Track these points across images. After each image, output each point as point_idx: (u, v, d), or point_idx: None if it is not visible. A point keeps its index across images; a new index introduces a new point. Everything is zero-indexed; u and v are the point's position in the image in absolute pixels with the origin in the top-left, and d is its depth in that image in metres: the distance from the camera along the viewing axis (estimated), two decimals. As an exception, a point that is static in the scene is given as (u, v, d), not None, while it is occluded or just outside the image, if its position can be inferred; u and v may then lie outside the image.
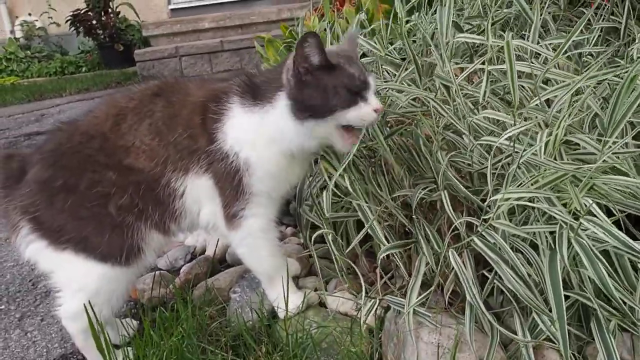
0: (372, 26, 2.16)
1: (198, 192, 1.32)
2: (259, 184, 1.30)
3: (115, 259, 1.28)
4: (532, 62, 1.44)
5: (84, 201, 1.26)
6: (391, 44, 1.90)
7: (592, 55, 1.58)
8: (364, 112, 1.23)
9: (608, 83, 1.33)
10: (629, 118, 1.16)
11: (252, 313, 1.44)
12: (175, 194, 1.31)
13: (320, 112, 1.22)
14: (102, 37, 7.62)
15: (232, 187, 1.30)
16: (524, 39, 1.54)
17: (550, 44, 1.50)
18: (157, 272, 1.74)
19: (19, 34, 8.41)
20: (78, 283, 1.29)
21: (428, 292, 1.28)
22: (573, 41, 1.39)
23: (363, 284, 1.38)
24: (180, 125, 1.29)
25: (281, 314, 1.41)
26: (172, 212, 1.33)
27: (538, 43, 1.48)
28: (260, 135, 1.28)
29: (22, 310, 1.78)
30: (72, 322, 1.32)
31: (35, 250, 1.28)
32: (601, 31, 1.65)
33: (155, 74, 6.44)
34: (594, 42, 1.55)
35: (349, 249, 1.43)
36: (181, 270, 1.80)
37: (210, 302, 1.55)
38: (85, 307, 1.22)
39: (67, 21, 7.52)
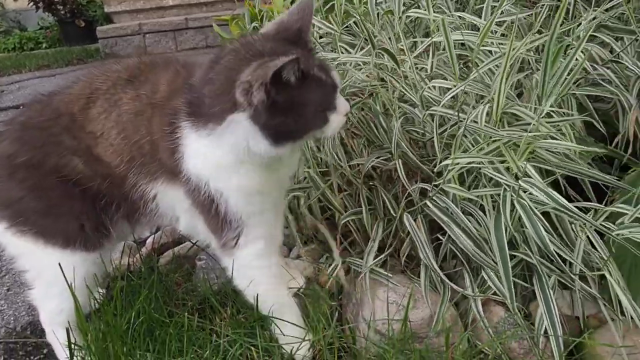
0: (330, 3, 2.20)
1: (171, 201, 1.20)
2: (243, 207, 1.14)
3: (76, 243, 1.20)
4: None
5: (46, 183, 1.17)
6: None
7: (541, 32, 1.66)
8: (337, 123, 1.09)
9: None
10: (571, 90, 1.24)
11: (218, 278, 1.49)
12: (145, 197, 1.19)
13: (297, 136, 1.08)
14: (62, 12, 7.45)
15: (214, 217, 1.14)
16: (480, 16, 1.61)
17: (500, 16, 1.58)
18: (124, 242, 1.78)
19: (-26, 9, 8.18)
20: (39, 270, 1.25)
21: (385, 254, 1.37)
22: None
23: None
24: (144, 126, 1.14)
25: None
26: (144, 211, 1.22)
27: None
28: (223, 161, 1.09)
29: (-13, 281, 1.80)
30: (39, 309, 1.31)
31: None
32: (550, 11, 1.73)
33: (118, 51, 6.36)
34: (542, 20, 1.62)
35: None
36: (147, 241, 1.84)
37: (177, 269, 1.60)
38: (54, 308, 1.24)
39: (25, -5, 7.34)
